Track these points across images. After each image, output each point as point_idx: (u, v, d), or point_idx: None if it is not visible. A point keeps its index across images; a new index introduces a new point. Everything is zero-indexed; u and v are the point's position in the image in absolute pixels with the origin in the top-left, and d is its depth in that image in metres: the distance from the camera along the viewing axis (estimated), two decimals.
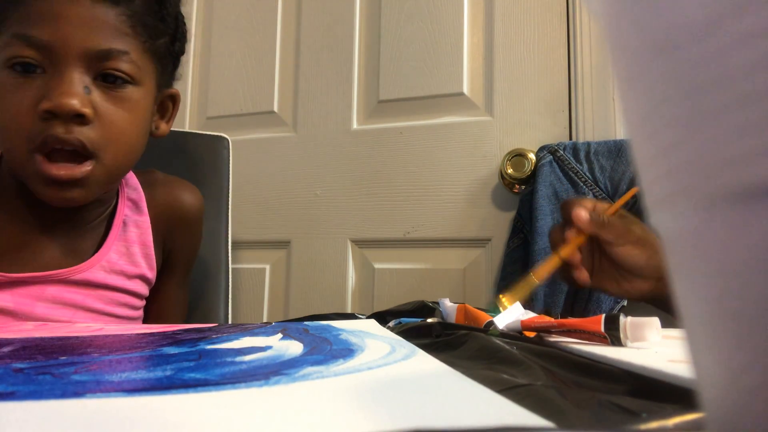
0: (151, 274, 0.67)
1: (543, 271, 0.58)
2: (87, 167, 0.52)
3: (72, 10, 0.51)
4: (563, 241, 0.59)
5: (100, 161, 0.53)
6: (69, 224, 0.60)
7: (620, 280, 0.59)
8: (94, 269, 0.60)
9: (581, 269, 0.59)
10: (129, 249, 0.64)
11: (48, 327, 0.45)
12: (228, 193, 0.93)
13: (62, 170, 0.51)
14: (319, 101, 1.19)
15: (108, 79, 0.53)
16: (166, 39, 0.59)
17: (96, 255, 0.61)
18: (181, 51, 0.63)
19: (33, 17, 0.51)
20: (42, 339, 0.36)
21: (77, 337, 0.37)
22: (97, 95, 0.52)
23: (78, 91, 0.50)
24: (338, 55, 1.18)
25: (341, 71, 1.18)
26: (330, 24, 1.19)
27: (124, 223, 0.64)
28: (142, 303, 0.68)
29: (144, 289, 0.67)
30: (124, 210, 0.65)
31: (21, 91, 0.50)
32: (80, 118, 0.50)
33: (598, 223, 0.57)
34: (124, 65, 0.53)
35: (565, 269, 0.59)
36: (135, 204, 0.66)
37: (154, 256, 0.66)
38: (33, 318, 0.56)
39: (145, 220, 0.66)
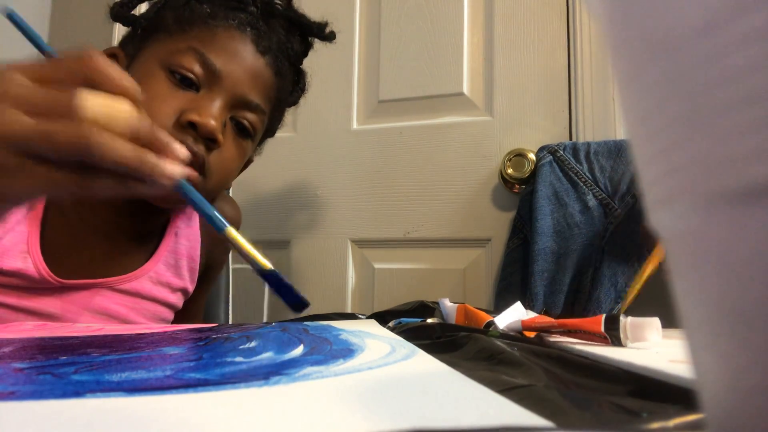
0: (192, 288, 0.67)
1: (642, 278, 0.60)
2: (198, 176, 0.53)
3: (249, 58, 0.57)
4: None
5: (205, 181, 0.55)
6: (126, 233, 0.60)
7: None
8: (142, 279, 0.61)
9: None
10: (178, 261, 0.65)
11: (48, 327, 0.45)
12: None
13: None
14: (319, 101, 1.19)
15: (238, 125, 0.58)
16: (282, 119, 0.68)
17: (146, 265, 0.61)
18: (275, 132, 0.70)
19: (215, 43, 0.55)
20: (42, 339, 0.36)
21: (77, 337, 0.37)
22: (227, 132, 0.57)
23: (222, 119, 0.55)
24: (338, 55, 1.18)
25: (341, 71, 1.17)
26: (330, 24, 1.19)
27: (176, 235, 0.65)
28: (173, 317, 0.68)
29: (181, 303, 0.67)
30: (177, 221, 0.65)
31: (170, 95, 0.53)
32: (212, 142, 0.54)
33: None
34: (257, 121, 0.59)
35: None
36: (188, 216, 0.67)
37: (197, 270, 0.67)
38: None
39: (196, 232, 0.67)
